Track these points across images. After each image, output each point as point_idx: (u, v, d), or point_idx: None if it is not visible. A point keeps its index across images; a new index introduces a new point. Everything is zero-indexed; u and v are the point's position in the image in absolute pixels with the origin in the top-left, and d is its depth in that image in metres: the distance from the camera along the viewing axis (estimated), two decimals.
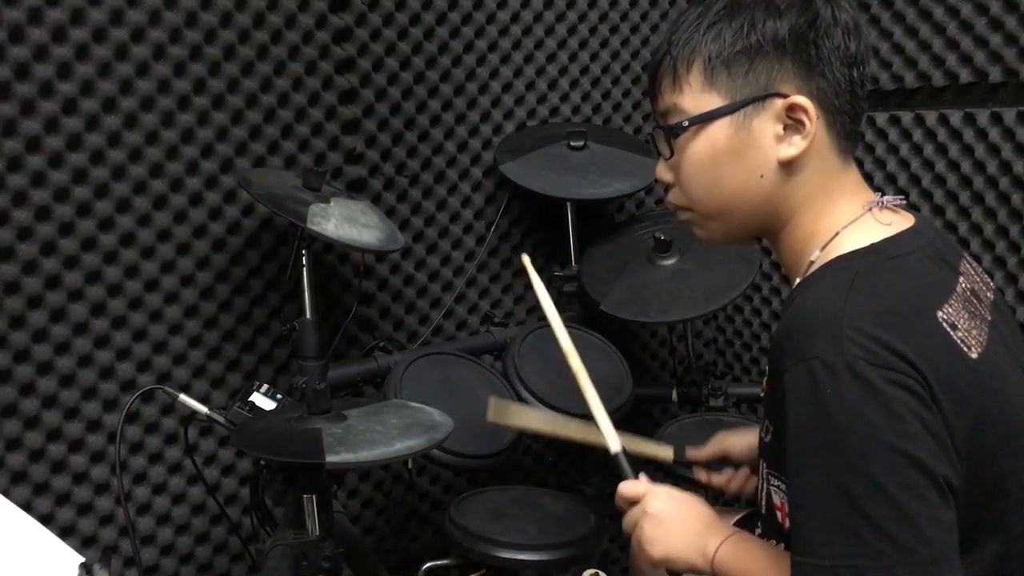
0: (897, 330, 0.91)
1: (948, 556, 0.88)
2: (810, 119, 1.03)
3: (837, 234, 1.04)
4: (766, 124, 1.04)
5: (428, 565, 1.60)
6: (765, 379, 1.09)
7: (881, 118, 2.04)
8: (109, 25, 1.54)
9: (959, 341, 0.96)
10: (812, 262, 1.05)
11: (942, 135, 1.93)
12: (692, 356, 2.16)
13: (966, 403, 0.93)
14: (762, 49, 1.02)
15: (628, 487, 1.19)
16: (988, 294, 1.08)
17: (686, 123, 1.07)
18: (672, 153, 1.10)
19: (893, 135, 2.02)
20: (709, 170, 1.08)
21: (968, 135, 1.89)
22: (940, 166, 1.94)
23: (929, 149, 1.96)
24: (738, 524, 1.42)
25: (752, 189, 1.07)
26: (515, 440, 1.70)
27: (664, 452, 1.45)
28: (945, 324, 0.96)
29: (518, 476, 2.16)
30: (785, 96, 1.03)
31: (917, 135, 1.98)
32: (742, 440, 1.43)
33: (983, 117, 1.86)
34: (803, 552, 0.92)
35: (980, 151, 1.87)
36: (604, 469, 2.10)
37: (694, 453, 1.46)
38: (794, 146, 1.04)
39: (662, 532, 1.12)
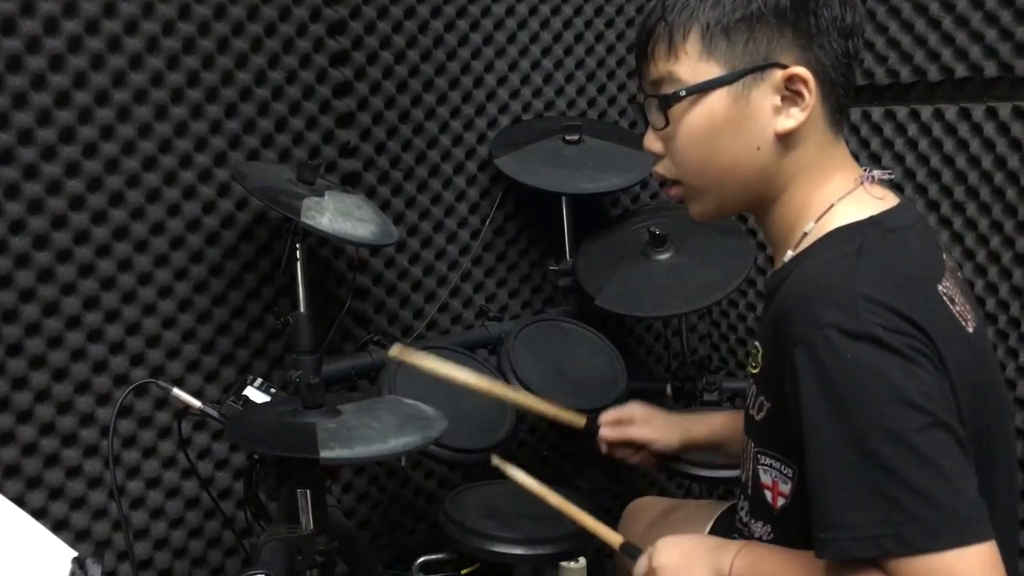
0: (907, 299, 0.90)
1: (983, 514, 0.87)
2: (809, 90, 1.01)
3: (832, 206, 1.04)
4: (764, 95, 1.02)
5: (422, 559, 1.60)
6: (759, 355, 1.07)
7: (876, 113, 2.03)
8: (102, 17, 1.53)
9: (957, 315, 0.97)
10: (806, 234, 1.05)
11: (937, 130, 1.93)
12: (686, 351, 2.16)
13: (965, 376, 0.93)
14: (763, 17, 1.00)
15: (638, 566, 1.18)
16: (959, 274, 1.09)
17: (683, 93, 1.04)
18: (666, 123, 1.07)
19: (888, 130, 2.02)
20: (705, 142, 1.05)
21: (963, 130, 1.89)
22: (935, 161, 1.94)
23: (924, 144, 1.96)
24: (724, 514, 1.43)
25: (748, 162, 1.05)
26: (510, 435, 1.70)
27: (576, 421, 1.48)
28: (945, 297, 0.97)
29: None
30: (785, 67, 1.01)
31: (912, 130, 1.98)
32: (655, 424, 1.45)
33: (978, 112, 1.86)
34: (834, 526, 0.89)
35: (975, 146, 1.87)
36: (599, 464, 2.10)
37: (604, 433, 1.47)
38: (792, 118, 1.02)
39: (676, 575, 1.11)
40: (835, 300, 0.91)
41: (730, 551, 1.08)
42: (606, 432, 1.47)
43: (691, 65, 1.04)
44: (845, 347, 0.88)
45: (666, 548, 1.13)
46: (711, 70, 1.03)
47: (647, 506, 1.61)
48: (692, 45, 1.03)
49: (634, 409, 1.47)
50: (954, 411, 0.90)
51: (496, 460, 1.36)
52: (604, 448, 1.48)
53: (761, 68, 1.02)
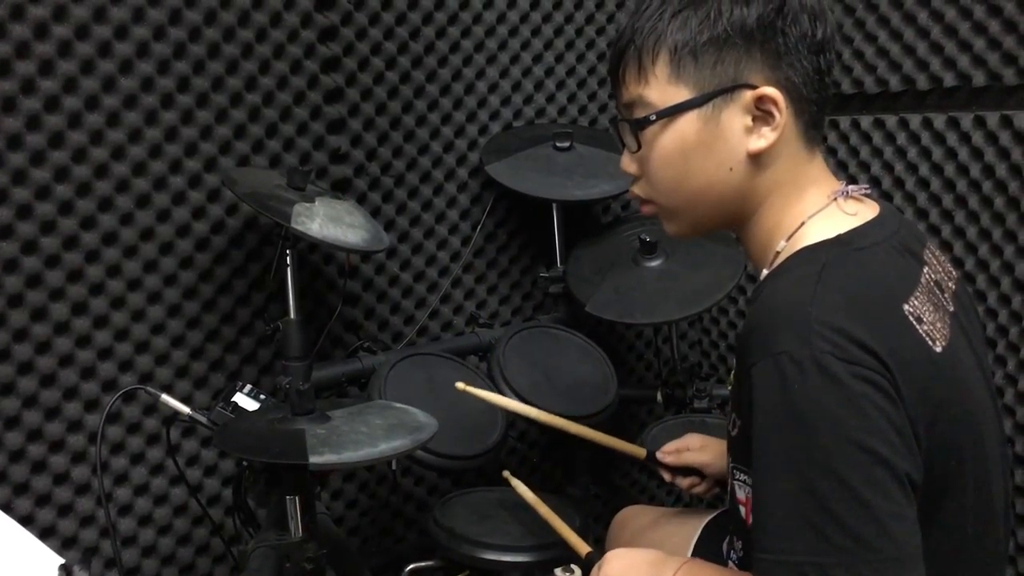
0: (864, 324, 0.90)
1: (912, 554, 0.88)
2: (779, 110, 1.01)
3: (803, 224, 1.03)
4: (735, 116, 1.02)
5: (412, 566, 1.59)
6: (732, 373, 1.09)
7: (865, 121, 2.04)
8: (92, 22, 1.53)
9: (924, 335, 0.96)
10: (778, 253, 1.04)
11: (926, 139, 1.94)
12: (677, 358, 2.17)
13: (928, 397, 0.93)
14: (730, 39, 1.00)
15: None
16: (951, 284, 1.08)
17: (653, 117, 1.04)
18: (638, 146, 1.07)
19: (877, 138, 2.03)
20: (677, 164, 1.05)
21: (952, 138, 1.90)
22: (924, 169, 1.95)
23: (913, 152, 1.97)
24: (710, 524, 1.43)
25: (721, 182, 1.05)
26: (500, 441, 1.70)
27: (637, 452, 1.53)
28: (911, 317, 0.96)
29: (502, 478, 2.16)
30: (754, 87, 1.00)
31: (901, 138, 1.99)
32: (711, 450, 1.47)
33: (966, 121, 1.87)
34: (766, 548, 0.91)
35: (963, 154, 1.88)
36: (588, 471, 2.11)
37: (662, 456, 1.51)
38: (763, 138, 1.02)
39: None
40: (789, 325, 0.91)
41: (672, 566, 1.10)
42: (664, 458, 1.50)
43: (661, 88, 1.03)
44: (793, 377, 0.88)
45: (612, 560, 1.17)
46: (680, 93, 1.02)
47: (636, 514, 1.61)
48: (661, 68, 1.03)
49: (690, 439, 1.51)
50: (903, 442, 0.89)
51: (506, 474, 1.48)
52: (667, 477, 1.52)
53: (730, 90, 1.01)
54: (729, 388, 1.10)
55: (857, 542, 0.86)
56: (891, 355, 0.90)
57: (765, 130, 1.02)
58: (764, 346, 0.92)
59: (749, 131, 1.02)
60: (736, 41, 1.00)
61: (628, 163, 1.12)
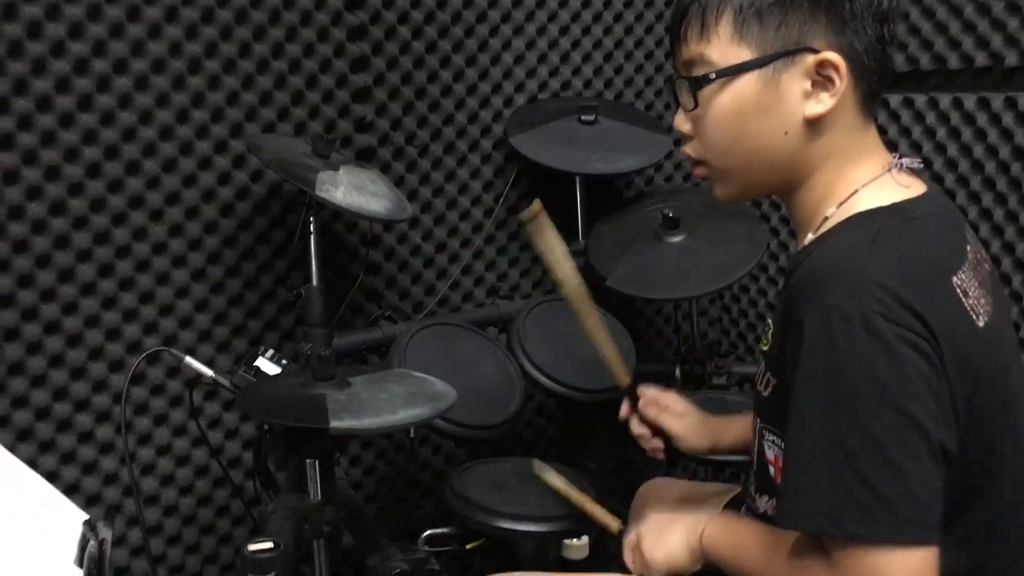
0: (915, 289, 0.91)
1: (930, 521, 0.89)
2: (840, 77, 1.00)
3: (855, 192, 1.04)
4: (794, 80, 1.02)
5: (428, 533, 1.61)
6: (770, 332, 1.09)
7: (895, 100, 2.02)
8: None
9: (969, 308, 0.97)
10: (827, 218, 1.05)
11: (955, 119, 1.92)
12: (696, 334, 2.16)
13: (969, 368, 0.93)
14: (796, 1, 1.00)
15: (628, 537, 1.27)
16: (986, 265, 1.09)
17: (713, 75, 1.04)
18: (695, 105, 1.07)
19: (906, 117, 2.01)
20: (733, 124, 1.05)
21: (982, 119, 1.88)
22: (952, 150, 1.93)
23: (942, 132, 1.95)
24: (736, 499, 1.44)
25: (775, 146, 1.05)
26: (517, 412, 1.71)
27: (622, 376, 1.47)
28: (958, 290, 0.97)
29: (519, 448, 2.17)
30: (816, 51, 1.00)
31: (930, 118, 1.97)
32: (687, 423, 1.43)
33: (997, 102, 1.85)
34: (790, 498, 0.93)
35: (993, 136, 1.86)
36: (606, 444, 2.11)
37: (643, 405, 1.45)
38: (822, 103, 1.02)
39: (656, 540, 1.20)
40: (843, 283, 0.92)
41: (704, 518, 1.14)
42: (645, 408, 1.45)
43: (723, 48, 1.03)
44: (840, 332, 0.90)
45: (649, 516, 1.23)
46: (742, 53, 1.02)
47: (661, 487, 1.61)
48: (724, 28, 1.03)
49: (674, 400, 1.45)
50: (940, 411, 0.90)
51: (536, 465, 1.48)
52: (625, 412, 1.46)
53: (792, 52, 1.01)
54: (764, 347, 1.10)
55: (878, 500, 0.87)
56: (938, 323, 0.91)
57: (824, 96, 1.02)
58: (815, 299, 0.93)
59: (807, 96, 1.02)
60: (802, 4, 1.00)
61: (682, 122, 1.12)
